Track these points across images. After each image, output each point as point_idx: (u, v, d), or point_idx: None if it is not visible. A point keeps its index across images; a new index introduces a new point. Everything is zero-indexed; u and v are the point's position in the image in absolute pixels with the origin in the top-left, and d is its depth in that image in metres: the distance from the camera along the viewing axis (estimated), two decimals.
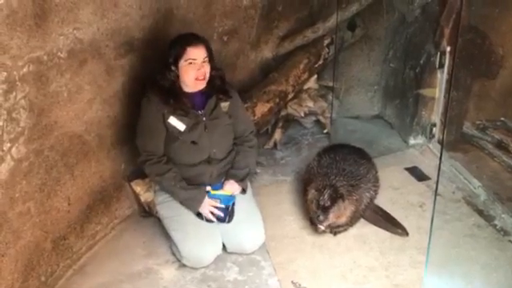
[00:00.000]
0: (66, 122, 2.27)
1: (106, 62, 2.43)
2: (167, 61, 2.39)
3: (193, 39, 2.39)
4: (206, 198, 2.48)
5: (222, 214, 2.48)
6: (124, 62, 2.55)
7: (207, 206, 2.47)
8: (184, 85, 2.44)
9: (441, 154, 2.47)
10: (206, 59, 2.40)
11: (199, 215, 2.48)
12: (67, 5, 2.08)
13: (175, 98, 2.41)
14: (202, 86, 2.44)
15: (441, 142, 3.24)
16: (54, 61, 2.10)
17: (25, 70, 1.93)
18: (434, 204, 2.15)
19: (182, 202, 2.50)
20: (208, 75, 2.43)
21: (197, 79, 2.39)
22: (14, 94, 1.91)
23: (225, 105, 2.52)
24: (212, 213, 2.47)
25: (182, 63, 2.37)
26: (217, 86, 2.50)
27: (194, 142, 2.46)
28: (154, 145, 2.47)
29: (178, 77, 2.41)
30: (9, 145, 1.94)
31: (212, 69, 2.45)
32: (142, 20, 2.56)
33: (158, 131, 2.45)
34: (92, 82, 2.37)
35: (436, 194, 2.36)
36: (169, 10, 2.75)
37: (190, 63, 2.36)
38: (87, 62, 2.30)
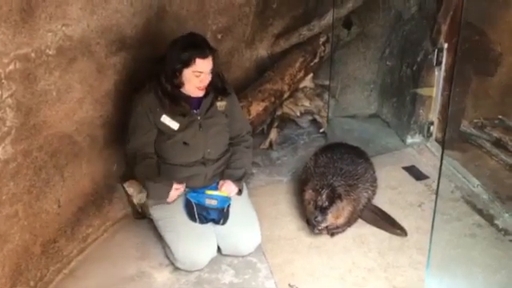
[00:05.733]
0: (56, 122, 2.21)
1: (97, 60, 2.37)
2: (174, 67, 2.29)
3: (203, 50, 2.29)
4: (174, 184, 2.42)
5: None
6: (116, 60, 2.49)
7: (174, 190, 2.41)
8: (183, 89, 2.38)
9: (442, 153, 2.43)
10: (212, 70, 2.34)
11: (192, 218, 2.43)
12: (55, 0, 2.01)
13: (174, 101, 2.36)
14: (201, 94, 2.38)
15: (441, 141, 3.20)
16: (42, 58, 2.03)
17: (11, 67, 1.87)
18: (436, 203, 2.10)
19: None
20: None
21: (198, 88, 2.35)
22: (0, 92, 1.85)
23: (221, 104, 2.47)
24: (206, 213, 2.41)
25: (188, 72, 2.30)
26: (215, 86, 2.45)
27: (186, 143, 2.40)
28: (140, 142, 2.41)
29: (182, 83, 2.34)
30: None
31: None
32: (133, 17, 2.50)
33: (145, 129, 2.39)
34: (82, 80, 2.31)
35: (437, 193, 2.31)
36: (161, 7, 2.70)
37: (197, 75, 2.30)
38: (77, 59, 2.24)
